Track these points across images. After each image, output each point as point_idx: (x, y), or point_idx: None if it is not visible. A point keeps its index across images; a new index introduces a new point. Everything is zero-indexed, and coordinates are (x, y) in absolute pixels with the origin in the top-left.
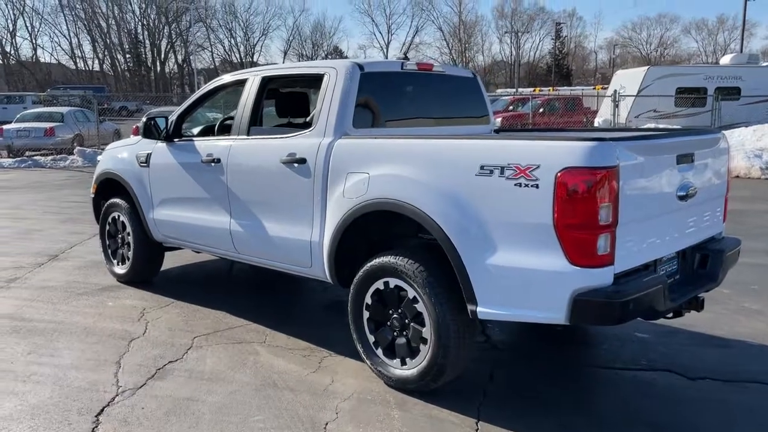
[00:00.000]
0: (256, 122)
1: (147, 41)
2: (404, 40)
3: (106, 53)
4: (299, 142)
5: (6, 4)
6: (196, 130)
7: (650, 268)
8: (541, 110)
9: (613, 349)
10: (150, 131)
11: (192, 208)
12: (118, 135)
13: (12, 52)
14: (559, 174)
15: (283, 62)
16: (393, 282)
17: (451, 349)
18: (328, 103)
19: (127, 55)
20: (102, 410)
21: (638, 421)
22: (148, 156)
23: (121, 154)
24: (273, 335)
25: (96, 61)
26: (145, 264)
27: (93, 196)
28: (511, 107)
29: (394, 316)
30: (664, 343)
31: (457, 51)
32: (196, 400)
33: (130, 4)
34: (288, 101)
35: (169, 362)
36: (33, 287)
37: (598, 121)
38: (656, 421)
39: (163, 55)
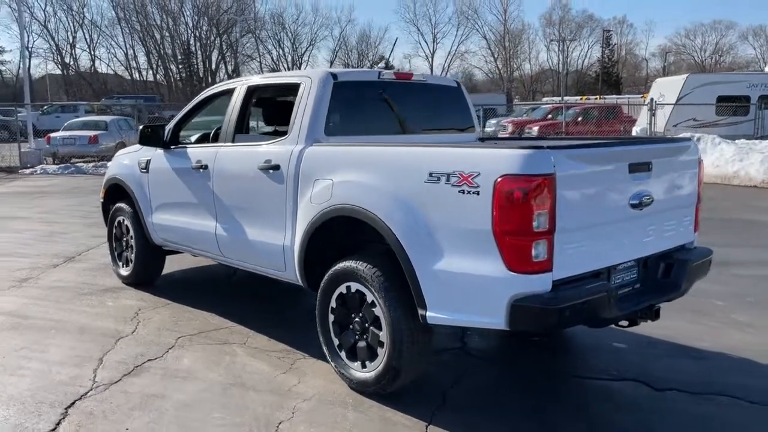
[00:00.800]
0: (241, 130)
1: (199, 52)
2: (449, 49)
3: (159, 64)
4: (275, 149)
5: (67, 17)
6: (194, 138)
7: (601, 276)
8: (579, 119)
9: (586, 358)
10: (145, 139)
11: (184, 213)
12: None
13: (72, 63)
14: (497, 181)
15: None
16: (354, 286)
17: (405, 353)
18: (302, 111)
19: (179, 66)
20: (73, 403)
21: (593, 430)
22: (148, 162)
23: (126, 160)
24: (255, 337)
25: (150, 72)
26: (146, 266)
27: (102, 200)
28: (549, 116)
29: (356, 319)
30: (640, 353)
31: (503, 59)
32: (163, 396)
33: (184, 17)
34: (270, 110)
35: (148, 360)
36: (43, 287)
37: (636, 130)
38: (611, 431)
39: (214, 66)
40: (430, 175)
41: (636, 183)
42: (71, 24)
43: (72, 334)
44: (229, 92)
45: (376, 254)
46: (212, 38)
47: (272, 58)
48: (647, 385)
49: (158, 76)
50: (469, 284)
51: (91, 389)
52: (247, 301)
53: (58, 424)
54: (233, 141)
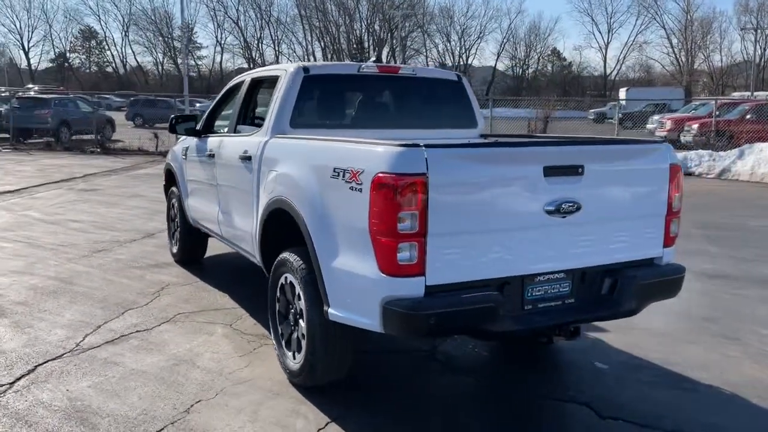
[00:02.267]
0: (242, 120)
1: (371, 48)
2: (626, 40)
3: (334, 58)
4: (250, 140)
5: (255, 15)
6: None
7: (508, 286)
8: (747, 116)
9: (554, 375)
10: (173, 128)
11: (203, 197)
12: None
13: (258, 58)
14: (373, 179)
15: (495, 65)
16: (289, 278)
17: (318, 348)
18: (273, 104)
19: (353, 60)
20: (45, 362)
21: None
22: (186, 149)
23: (177, 147)
24: (244, 320)
25: None
26: (188, 246)
27: (164, 184)
28: (717, 112)
29: (291, 310)
30: (619, 377)
31: (685, 50)
32: (119, 364)
33: (359, 13)
34: (261, 101)
35: (137, 331)
36: (106, 259)
37: None
38: None
39: (385, 61)
40: (334, 170)
41: (554, 188)
42: (259, 21)
43: (93, 302)
44: (240, 84)
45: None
46: (384, 34)
47: (438, 51)
48: (595, 412)
49: None
50: (353, 283)
51: (69, 352)
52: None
53: (18, 379)
54: (234, 131)
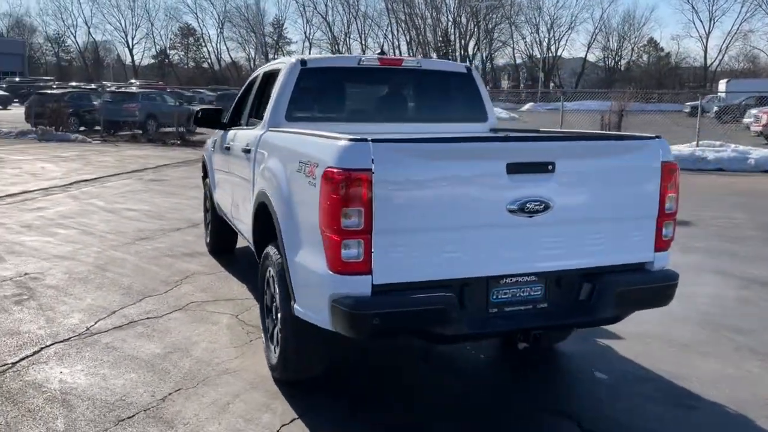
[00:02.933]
0: (255, 113)
1: (457, 41)
2: (729, 29)
3: (418, 51)
4: (251, 134)
5: (343, 9)
6: None
7: (468, 287)
8: None
9: (543, 383)
10: (198, 121)
11: (223, 188)
12: None
13: (345, 52)
14: (323, 173)
15: (585, 56)
16: (271, 271)
17: (289, 343)
18: (271, 97)
19: (438, 53)
20: (51, 344)
21: None
22: (214, 142)
23: (209, 140)
24: (251, 311)
25: None
26: (218, 235)
27: (202, 175)
28: None
29: (274, 304)
30: (615, 388)
31: None
32: (118, 349)
33: (446, 5)
34: (268, 94)
35: (147, 318)
36: (146, 246)
37: None
38: None
39: (471, 53)
40: (299, 164)
41: (518, 186)
42: (347, 16)
43: (118, 288)
44: (257, 77)
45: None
46: (471, 26)
47: (525, 43)
48: (576, 423)
49: None
50: (310, 280)
51: (77, 335)
52: None
53: (22, 359)
54: (246, 124)
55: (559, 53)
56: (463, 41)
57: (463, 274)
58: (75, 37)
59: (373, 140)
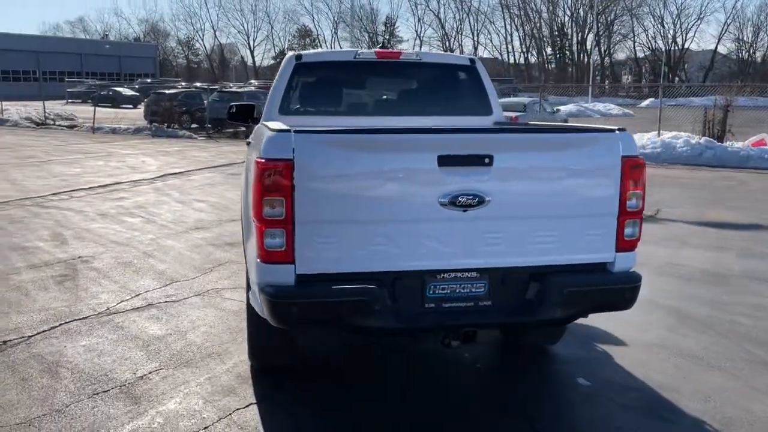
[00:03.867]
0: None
1: (574, 34)
2: None
3: (532, 46)
4: (255, 128)
5: (455, 6)
6: None
7: (401, 281)
8: None
9: (519, 386)
10: (230, 116)
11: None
12: None
13: (457, 49)
14: (254, 163)
15: (716, 49)
16: None
17: (249, 330)
18: (269, 91)
19: (549, 48)
20: (69, 321)
21: None
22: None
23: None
24: None
25: (522, 55)
26: None
27: None
28: None
29: None
30: (593, 396)
31: None
32: (124, 329)
33: None
34: None
35: (165, 302)
36: (196, 236)
37: None
38: None
39: (589, 47)
40: (254, 155)
41: (450, 179)
42: (459, 13)
43: (153, 273)
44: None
45: None
46: (590, 20)
47: (648, 36)
48: (530, 425)
49: (531, 59)
50: (251, 268)
51: (95, 315)
52: None
53: (39, 333)
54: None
55: (686, 45)
56: (580, 35)
57: (394, 268)
58: (203, 40)
59: (296, 131)
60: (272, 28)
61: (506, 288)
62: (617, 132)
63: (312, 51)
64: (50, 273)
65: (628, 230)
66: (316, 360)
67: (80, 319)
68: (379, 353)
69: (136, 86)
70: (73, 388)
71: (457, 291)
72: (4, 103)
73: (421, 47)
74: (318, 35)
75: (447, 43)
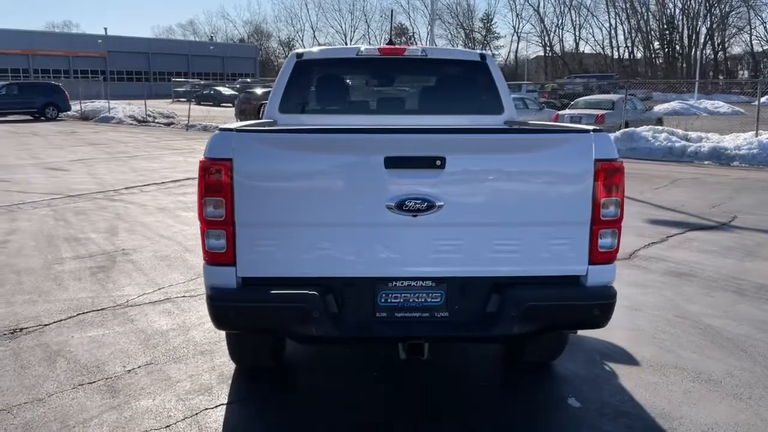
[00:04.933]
0: None
1: (684, 28)
2: None
3: (638, 40)
4: None
5: (556, 0)
6: None
7: (350, 288)
8: None
9: (502, 402)
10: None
11: None
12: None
13: (557, 44)
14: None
15: None
16: None
17: (228, 335)
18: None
19: (657, 42)
20: (87, 312)
21: None
22: None
23: None
24: None
25: (627, 50)
26: None
27: None
28: None
29: None
30: (577, 419)
31: None
32: (134, 321)
33: None
34: None
35: (182, 296)
36: None
37: None
38: None
39: (702, 40)
40: None
41: (398, 182)
42: (559, 7)
43: (183, 269)
44: None
45: None
46: (703, 12)
47: (766, 28)
48: None
49: (637, 54)
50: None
51: (113, 306)
52: None
53: (55, 322)
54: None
55: None
56: (691, 28)
57: (342, 273)
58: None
59: (237, 130)
60: (369, 27)
61: (466, 299)
62: (591, 133)
63: (315, 48)
64: (90, 264)
65: (603, 241)
66: (310, 362)
67: (98, 310)
68: (376, 359)
69: (237, 85)
70: (62, 378)
71: (411, 300)
72: (112, 101)
73: (518, 44)
74: (413, 33)
75: (546, 39)
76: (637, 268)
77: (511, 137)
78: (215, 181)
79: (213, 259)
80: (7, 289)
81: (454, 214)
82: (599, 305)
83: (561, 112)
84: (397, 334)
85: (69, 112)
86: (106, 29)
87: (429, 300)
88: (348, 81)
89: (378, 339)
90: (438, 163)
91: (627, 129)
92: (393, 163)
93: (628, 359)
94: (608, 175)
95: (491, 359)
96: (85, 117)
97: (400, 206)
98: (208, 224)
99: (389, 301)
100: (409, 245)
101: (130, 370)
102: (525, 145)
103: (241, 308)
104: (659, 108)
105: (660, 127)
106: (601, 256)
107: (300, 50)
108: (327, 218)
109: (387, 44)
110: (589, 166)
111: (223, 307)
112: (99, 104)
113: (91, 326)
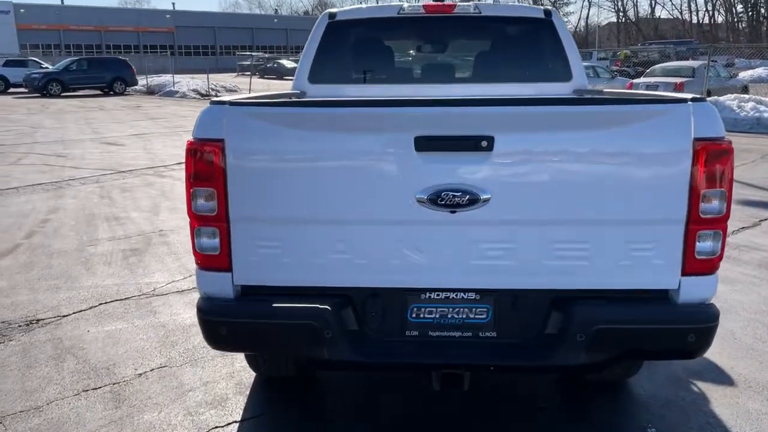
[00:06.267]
0: None
1: None
2: None
3: (719, 3)
4: None
5: None
6: None
7: (374, 300)
8: None
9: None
10: None
11: None
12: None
13: (630, 9)
14: None
15: None
16: None
17: None
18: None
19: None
20: (109, 302)
21: None
22: None
23: None
24: None
25: (706, 14)
26: None
27: None
28: None
29: None
30: None
31: None
32: (157, 314)
33: None
34: None
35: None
36: None
37: None
38: None
39: None
40: None
41: (434, 168)
42: None
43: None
44: None
45: None
46: None
47: None
48: None
49: (718, 18)
50: None
51: (138, 295)
52: None
53: (72, 313)
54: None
55: None
56: None
57: (360, 282)
58: None
59: (231, 103)
60: None
61: (518, 317)
62: (689, 103)
63: (350, 7)
64: (123, 246)
65: (702, 245)
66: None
67: (121, 299)
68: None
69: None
70: (67, 381)
71: (449, 316)
72: (177, 76)
73: (589, 10)
74: None
75: (620, 3)
76: (725, 258)
77: (582, 110)
78: (205, 168)
79: (205, 262)
80: (34, 273)
81: (505, 209)
82: (696, 330)
83: (636, 81)
84: (434, 361)
85: (136, 87)
86: (174, 4)
87: (472, 316)
88: (388, 45)
89: (408, 366)
90: (484, 144)
91: (709, 98)
92: (426, 144)
93: (721, 377)
94: (712, 158)
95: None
96: (151, 91)
97: (435, 200)
98: (198, 220)
99: (422, 316)
100: (446, 248)
101: (141, 374)
102: (600, 119)
103: (237, 324)
104: (744, 75)
105: (746, 96)
106: (699, 265)
107: (333, 9)
108: (343, 214)
109: (434, 0)
110: (686, 146)
111: (215, 322)
112: (165, 78)
113: (111, 319)
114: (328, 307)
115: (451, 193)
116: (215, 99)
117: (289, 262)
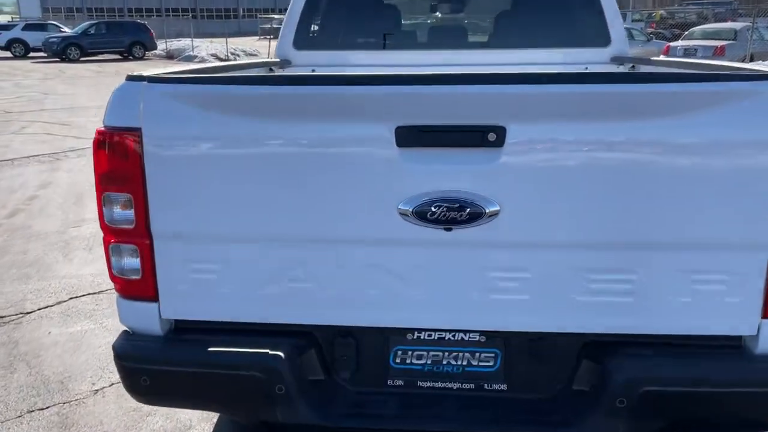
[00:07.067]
0: None
1: None
2: None
3: None
4: None
5: None
6: None
7: (344, 339)
8: None
9: None
10: None
11: None
12: None
13: None
14: None
15: None
16: None
17: None
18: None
19: None
20: (81, 296)
21: None
22: None
23: None
24: None
25: None
26: None
27: None
28: None
29: None
30: None
31: None
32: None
33: None
34: None
35: None
36: None
37: None
38: None
39: None
40: None
41: (421, 170)
42: None
43: None
44: None
45: None
46: None
47: None
48: None
49: None
50: None
51: (111, 290)
52: None
53: (37, 310)
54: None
55: None
56: None
57: (327, 319)
58: None
59: (151, 80)
60: None
61: (537, 366)
62: None
63: None
64: None
65: None
66: None
67: (94, 293)
68: None
69: None
70: (12, 399)
71: (445, 362)
72: (196, 40)
73: None
74: None
75: None
76: None
77: (633, 89)
78: (118, 166)
79: (125, 288)
80: (6, 260)
81: (519, 227)
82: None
83: (673, 44)
84: (424, 427)
85: (156, 51)
86: None
87: (475, 363)
88: (391, 3)
89: (393, 428)
90: (491, 137)
91: (751, 63)
92: (410, 137)
93: None
94: None
95: None
96: (170, 56)
97: (424, 214)
98: (112, 234)
99: (409, 362)
100: (439, 277)
101: (97, 390)
102: (658, 102)
103: (161, 374)
104: None
105: None
106: None
107: None
108: (301, 230)
109: None
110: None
111: (133, 369)
112: (184, 43)
113: (78, 317)
114: (280, 353)
115: (445, 204)
116: (132, 74)
117: (233, 291)
